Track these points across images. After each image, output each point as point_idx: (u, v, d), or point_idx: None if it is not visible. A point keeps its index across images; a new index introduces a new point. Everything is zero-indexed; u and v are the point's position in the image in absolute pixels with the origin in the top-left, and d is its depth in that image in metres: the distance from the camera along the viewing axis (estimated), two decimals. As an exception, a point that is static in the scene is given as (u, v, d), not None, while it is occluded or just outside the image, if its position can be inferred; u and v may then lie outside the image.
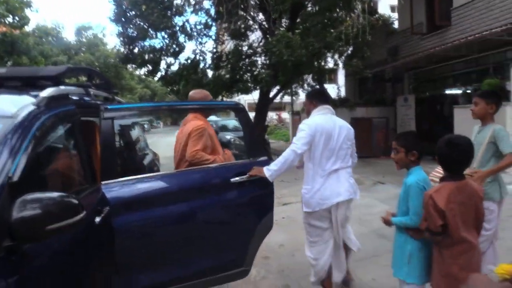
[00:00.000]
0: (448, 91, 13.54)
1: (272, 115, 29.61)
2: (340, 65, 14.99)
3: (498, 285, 1.15)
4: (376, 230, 4.90)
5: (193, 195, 2.73)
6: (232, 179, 2.83)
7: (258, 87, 12.40)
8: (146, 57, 11.93)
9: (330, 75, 17.77)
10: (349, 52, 12.89)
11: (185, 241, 2.65)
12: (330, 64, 14.97)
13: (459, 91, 12.30)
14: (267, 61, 11.51)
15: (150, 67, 12.43)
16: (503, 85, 9.02)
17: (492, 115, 3.09)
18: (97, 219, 2.14)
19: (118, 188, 2.45)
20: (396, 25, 15.65)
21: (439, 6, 11.98)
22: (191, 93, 3.64)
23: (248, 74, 11.71)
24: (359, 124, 13.56)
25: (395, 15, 17.02)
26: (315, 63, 11.43)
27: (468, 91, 12.14)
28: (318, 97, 3.30)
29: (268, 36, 11.14)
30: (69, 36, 47.30)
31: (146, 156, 4.29)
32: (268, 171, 2.90)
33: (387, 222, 2.45)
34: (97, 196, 2.32)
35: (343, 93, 19.11)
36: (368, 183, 7.97)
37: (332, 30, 9.78)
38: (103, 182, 2.43)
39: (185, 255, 2.67)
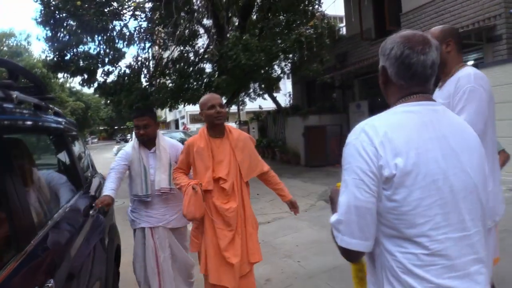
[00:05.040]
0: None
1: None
2: (287, 72, 14.60)
3: None
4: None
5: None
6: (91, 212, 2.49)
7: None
8: (81, 64, 10.58)
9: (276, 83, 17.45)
10: (295, 58, 12.51)
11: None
12: (277, 71, 14.53)
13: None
14: (216, 67, 10.72)
15: (86, 76, 11.08)
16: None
17: None
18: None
19: None
20: (342, 32, 15.61)
21: (388, 11, 11.96)
22: None
23: (199, 82, 10.80)
24: (314, 133, 13.18)
25: (338, 24, 17.09)
26: (262, 71, 10.87)
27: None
28: None
29: (217, 40, 10.35)
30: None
31: (92, 181, 3.24)
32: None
33: None
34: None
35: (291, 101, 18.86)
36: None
37: (292, 33, 9.20)
38: None
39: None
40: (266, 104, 20.14)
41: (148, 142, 3.11)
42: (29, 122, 2.07)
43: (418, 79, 1.18)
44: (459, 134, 1.16)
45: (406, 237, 1.08)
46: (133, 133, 3.34)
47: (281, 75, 14.32)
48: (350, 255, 1.16)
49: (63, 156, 2.75)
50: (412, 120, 1.13)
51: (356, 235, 1.11)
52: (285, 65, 13.47)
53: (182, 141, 14.63)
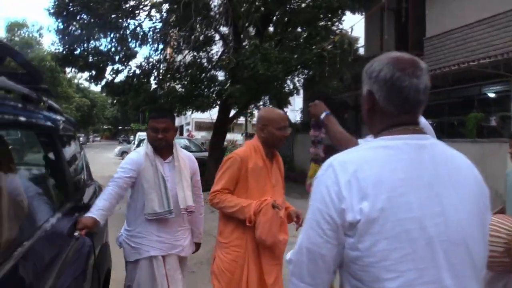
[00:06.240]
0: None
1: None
2: (299, 87, 14.22)
3: None
4: None
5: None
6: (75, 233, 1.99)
7: (218, 104, 11.18)
8: (90, 59, 10.22)
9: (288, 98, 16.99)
10: (314, 72, 12.14)
11: None
12: (290, 86, 14.15)
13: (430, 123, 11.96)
14: (229, 75, 10.34)
15: (94, 72, 10.71)
16: (487, 119, 8.57)
17: None
18: None
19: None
20: (359, 52, 15.27)
21: (412, 35, 11.60)
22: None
23: (210, 89, 10.42)
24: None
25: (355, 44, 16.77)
26: (276, 83, 10.48)
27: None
28: None
29: (234, 47, 9.97)
30: None
31: (83, 194, 2.75)
32: None
33: None
34: None
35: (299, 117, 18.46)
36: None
37: (312, 47, 8.84)
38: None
39: None
40: (274, 118, 19.73)
41: (164, 149, 2.55)
42: (11, 116, 1.61)
43: (410, 105, 1.03)
44: (449, 175, 0.98)
45: None
46: (137, 136, 2.87)
47: (293, 90, 13.94)
48: None
49: (51, 160, 2.28)
50: (388, 157, 0.98)
51: (305, 279, 1.02)
52: (298, 80, 13.11)
53: (186, 148, 14.22)
